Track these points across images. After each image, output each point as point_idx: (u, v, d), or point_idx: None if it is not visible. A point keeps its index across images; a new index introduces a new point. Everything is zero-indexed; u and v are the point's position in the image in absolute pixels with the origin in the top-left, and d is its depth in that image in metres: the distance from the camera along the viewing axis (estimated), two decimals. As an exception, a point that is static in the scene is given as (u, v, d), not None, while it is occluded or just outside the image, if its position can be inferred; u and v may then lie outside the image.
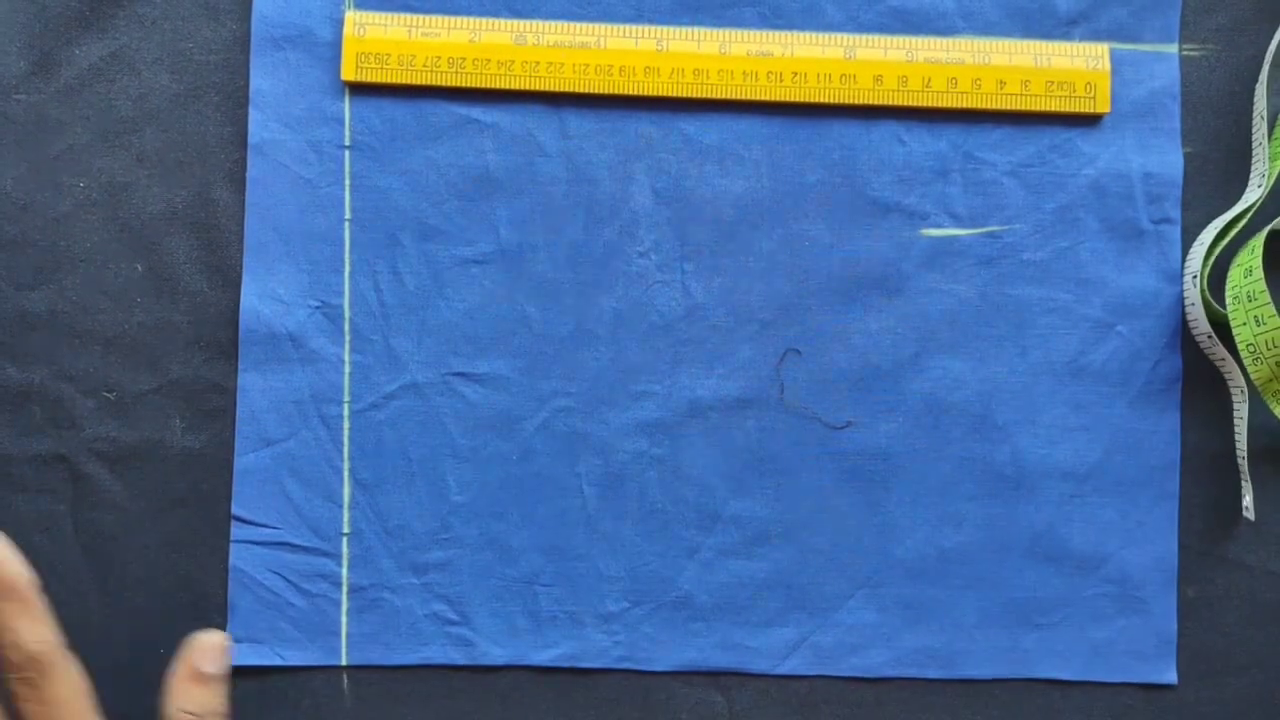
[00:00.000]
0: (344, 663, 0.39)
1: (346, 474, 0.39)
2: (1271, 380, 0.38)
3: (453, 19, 0.40)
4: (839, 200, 0.40)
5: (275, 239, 0.39)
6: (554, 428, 0.40)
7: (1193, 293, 0.39)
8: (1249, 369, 0.38)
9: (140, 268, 0.40)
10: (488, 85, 0.39)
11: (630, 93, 0.39)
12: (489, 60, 0.39)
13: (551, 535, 0.40)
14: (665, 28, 0.40)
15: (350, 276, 0.40)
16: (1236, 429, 0.39)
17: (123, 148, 0.40)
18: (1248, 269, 0.38)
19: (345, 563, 0.39)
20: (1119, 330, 0.40)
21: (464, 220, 0.40)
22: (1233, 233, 0.39)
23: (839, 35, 0.40)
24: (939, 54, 0.40)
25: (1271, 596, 0.40)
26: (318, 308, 0.39)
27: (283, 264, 0.39)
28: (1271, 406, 0.38)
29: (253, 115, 0.39)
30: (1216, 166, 0.40)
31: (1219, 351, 0.39)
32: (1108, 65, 0.40)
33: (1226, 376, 0.40)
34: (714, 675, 0.40)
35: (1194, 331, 0.40)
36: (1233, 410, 0.40)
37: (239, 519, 0.39)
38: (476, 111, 0.40)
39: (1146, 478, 0.40)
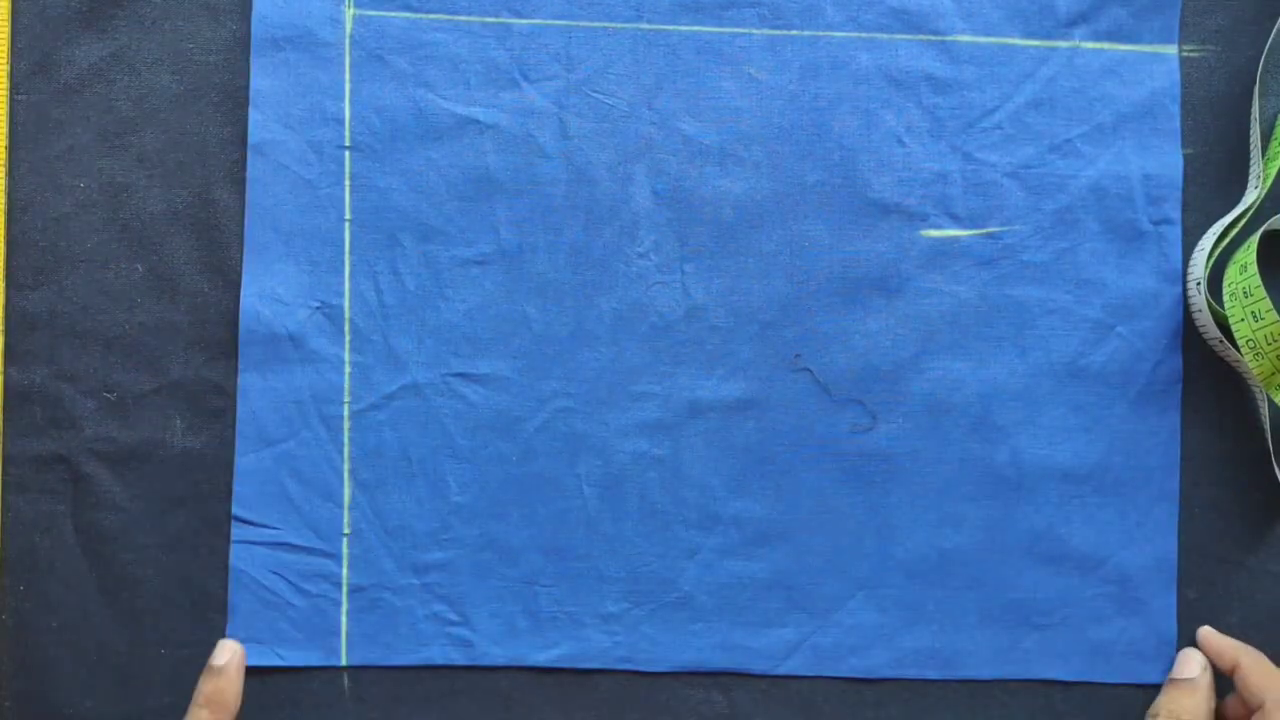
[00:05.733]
0: (344, 663, 0.39)
1: (346, 474, 0.39)
2: (1274, 374, 0.38)
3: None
4: (839, 201, 0.40)
5: (275, 239, 0.39)
6: (554, 428, 0.40)
7: (1198, 299, 0.39)
8: (1250, 365, 0.38)
9: (140, 268, 0.40)
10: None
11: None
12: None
13: (552, 536, 0.39)
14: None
15: (350, 277, 0.40)
16: (1264, 424, 0.39)
17: (123, 148, 0.40)
18: (1243, 265, 0.38)
19: (345, 563, 0.39)
20: (1119, 331, 0.40)
21: (464, 221, 0.40)
22: (1232, 234, 0.39)
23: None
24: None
25: (1271, 597, 0.40)
26: (318, 308, 0.39)
27: (283, 264, 0.39)
28: (1276, 398, 0.38)
29: (253, 115, 0.39)
30: (1216, 168, 0.40)
31: (1232, 354, 0.39)
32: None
33: (1244, 375, 0.39)
34: (714, 676, 0.40)
35: (1205, 336, 0.39)
36: (1256, 409, 0.40)
37: (239, 519, 0.39)
38: (476, 111, 0.40)
39: (1146, 478, 0.40)
